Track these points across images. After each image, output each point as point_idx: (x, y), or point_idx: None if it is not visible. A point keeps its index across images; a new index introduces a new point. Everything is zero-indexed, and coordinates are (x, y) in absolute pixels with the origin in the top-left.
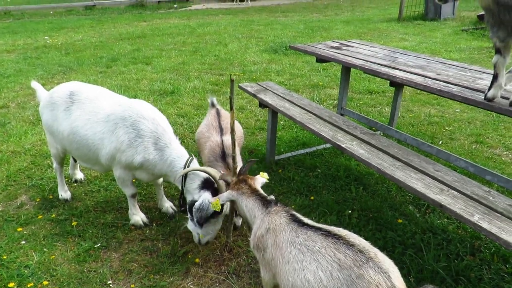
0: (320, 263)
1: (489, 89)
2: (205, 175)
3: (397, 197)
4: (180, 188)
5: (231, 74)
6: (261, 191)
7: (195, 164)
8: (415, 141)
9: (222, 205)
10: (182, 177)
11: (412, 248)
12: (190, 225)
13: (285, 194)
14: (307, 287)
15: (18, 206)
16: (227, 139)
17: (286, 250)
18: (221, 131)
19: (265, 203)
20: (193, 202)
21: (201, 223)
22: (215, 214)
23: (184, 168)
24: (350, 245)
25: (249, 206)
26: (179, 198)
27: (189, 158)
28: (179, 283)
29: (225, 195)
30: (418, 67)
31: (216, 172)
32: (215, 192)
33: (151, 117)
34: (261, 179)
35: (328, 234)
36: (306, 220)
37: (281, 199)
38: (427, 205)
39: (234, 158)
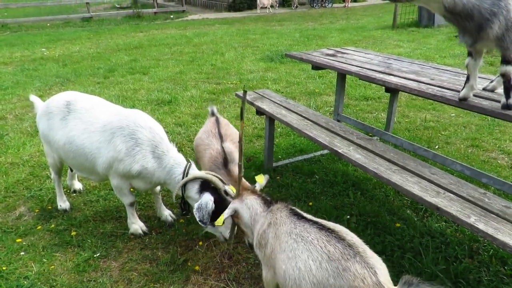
0: (312, 253)
1: (461, 90)
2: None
3: (395, 202)
4: (180, 194)
5: (244, 86)
6: (263, 194)
7: (193, 169)
8: (411, 146)
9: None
10: (182, 186)
11: (410, 252)
12: (210, 228)
13: (283, 200)
14: (297, 274)
15: (17, 217)
16: (227, 146)
17: (283, 240)
18: (221, 138)
19: (267, 202)
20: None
21: (204, 222)
22: (221, 211)
23: (183, 174)
24: (341, 239)
25: (249, 204)
26: (180, 203)
27: (187, 164)
28: None
29: (228, 209)
30: (412, 73)
31: (215, 178)
32: (214, 191)
33: (148, 126)
34: (258, 185)
35: (322, 227)
36: (305, 214)
37: None
38: (425, 209)
39: (240, 167)
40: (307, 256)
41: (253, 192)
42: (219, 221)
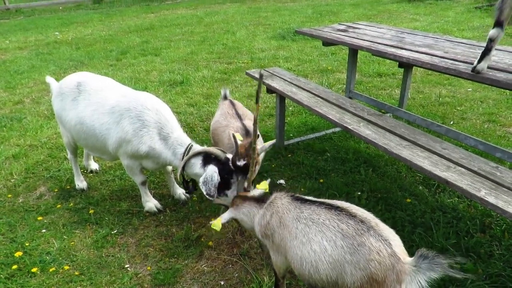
0: (325, 233)
1: (479, 62)
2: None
3: (407, 178)
4: (184, 173)
5: (260, 70)
6: (254, 195)
7: (195, 148)
8: (424, 122)
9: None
10: (183, 164)
11: (421, 227)
12: (218, 200)
13: (294, 178)
14: (313, 257)
15: (38, 196)
16: (248, 123)
17: (292, 226)
18: (239, 117)
19: (259, 201)
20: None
21: (211, 195)
22: (229, 185)
23: (184, 154)
24: (352, 216)
25: (245, 210)
26: (183, 182)
27: (189, 144)
28: (193, 265)
29: (226, 214)
30: (425, 46)
31: (214, 149)
32: (218, 162)
33: (154, 107)
34: (260, 190)
35: (331, 207)
36: (307, 197)
37: (290, 183)
38: (437, 185)
39: (254, 149)
40: (320, 237)
41: (244, 198)
42: (216, 224)
